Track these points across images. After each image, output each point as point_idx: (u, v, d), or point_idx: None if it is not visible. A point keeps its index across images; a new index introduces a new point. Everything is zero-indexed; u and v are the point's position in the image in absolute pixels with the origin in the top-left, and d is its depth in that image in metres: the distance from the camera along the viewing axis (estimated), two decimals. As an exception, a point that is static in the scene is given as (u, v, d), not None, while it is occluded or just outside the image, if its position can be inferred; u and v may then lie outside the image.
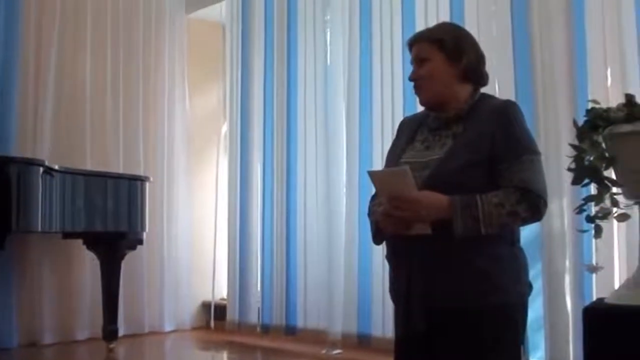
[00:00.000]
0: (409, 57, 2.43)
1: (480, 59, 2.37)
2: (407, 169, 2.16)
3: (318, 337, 5.40)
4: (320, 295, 5.50)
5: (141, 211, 5.51)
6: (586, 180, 2.22)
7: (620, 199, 2.22)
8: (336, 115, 5.51)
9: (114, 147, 6.14)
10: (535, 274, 3.75)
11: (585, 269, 3.64)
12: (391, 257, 2.38)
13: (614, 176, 2.23)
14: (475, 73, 2.35)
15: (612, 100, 3.36)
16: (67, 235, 5.39)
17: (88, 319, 5.80)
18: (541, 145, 3.39)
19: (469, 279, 2.17)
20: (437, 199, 2.13)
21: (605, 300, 2.26)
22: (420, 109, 2.46)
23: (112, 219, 5.29)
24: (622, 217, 2.24)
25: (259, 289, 6.06)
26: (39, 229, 4.63)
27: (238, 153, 6.26)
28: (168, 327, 6.35)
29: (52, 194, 4.75)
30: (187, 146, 6.71)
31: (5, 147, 5.41)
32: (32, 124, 5.69)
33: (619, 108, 2.19)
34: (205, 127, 6.85)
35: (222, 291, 6.62)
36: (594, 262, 3.56)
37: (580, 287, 3.94)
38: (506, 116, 2.24)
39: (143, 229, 5.55)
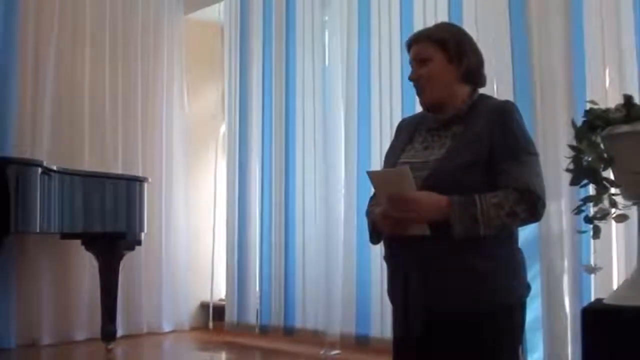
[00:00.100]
0: (407, 57, 2.43)
1: (480, 60, 2.37)
2: (407, 169, 2.16)
3: (316, 338, 5.40)
4: (318, 296, 5.50)
5: (139, 212, 5.51)
6: (584, 181, 2.22)
7: (619, 199, 2.22)
8: (334, 116, 5.51)
9: (113, 148, 6.13)
10: (533, 275, 3.75)
11: (584, 269, 3.64)
12: (389, 257, 2.38)
13: (612, 177, 2.23)
14: (476, 74, 2.36)
15: (611, 100, 3.35)
16: (66, 236, 5.39)
17: (86, 319, 5.79)
18: (539, 145, 3.40)
19: (467, 280, 2.17)
20: (437, 200, 2.13)
21: (604, 301, 2.26)
22: (418, 109, 2.46)
23: (111, 219, 5.29)
24: (621, 218, 2.24)
25: (257, 289, 6.06)
26: (37, 230, 4.63)
27: (236, 153, 6.26)
28: (166, 328, 6.35)
29: (50, 194, 4.74)
30: (186, 147, 6.71)
31: (3, 148, 5.41)
32: (30, 124, 5.68)
33: (618, 108, 2.19)
34: (203, 128, 6.85)
35: (220, 292, 6.62)
36: (592, 262, 3.56)
37: (578, 287, 3.94)
38: (505, 117, 2.25)
39: (141, 229, 5.54)
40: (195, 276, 6.58)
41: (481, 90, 2.42)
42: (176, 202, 6.55)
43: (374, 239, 2.42)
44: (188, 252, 6.59)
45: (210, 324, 6.49)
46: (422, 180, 2.20)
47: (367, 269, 5.09)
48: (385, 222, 2.22)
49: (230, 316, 6.19)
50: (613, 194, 2.19)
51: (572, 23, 4.07)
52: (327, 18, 5.72)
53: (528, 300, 2.32)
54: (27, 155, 5.41)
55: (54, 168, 4.85)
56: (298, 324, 5.69)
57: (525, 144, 2.24)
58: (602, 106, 2.25)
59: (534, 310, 3.92)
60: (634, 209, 2.23)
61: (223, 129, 6.64)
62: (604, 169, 2.20)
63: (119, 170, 6.00)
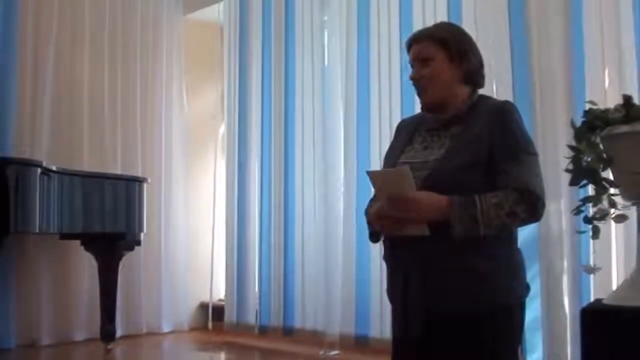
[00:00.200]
0: (406, 57, 2.42)
1: (480, 60, 2.37)
2: (407, 169, 2.16)
3: (316, 338, 5.40)
4: (318, 296, 5.50)
5: (139, 212, 5.51)
6: (584, 181, 2.22)
7: (618, 200, 2.22)
8: (334, 116, 5.51)
9: (112, 148, 6.13)
10: (532, 275, 3.75)
11: (583, 269, 3.64)
12: (388, 257, 2.38)
13: (611, 177, 2.23)
14: (476, 75, 2.36)
15: (610, 101, 3.35)
16: (65, 236, 5.39)
17: (86, 319, 5.79)
18: (539, 146, 3.40)
19: (466, 280, 2.17)
20: (437, 200, 2.13)
21: (603, 301, 2.26)
22: (418, 109, 2.46)
23: (110, 220, 5.29)
24: (620, 218, 2.24)
25: (256, 289, 6.06)
26: (37, 230, 4.63)
27: (236, 154, 6.26)
28: (166, 328, 6.35)
29: (49, 195, 4.74)
30: (185, 147, 6.71)
31: (3, 148, 5.41)
32: (29, 124, 5.68)
33: (617, 109, 2.19)
34: (202, 128, 6.85)
35: (220, 292, 6.62)
36: (591, 263, 3.56)
37: (578, 288, 3.94)
38: (504, 117, 2.25)
39: (141, 230, 5.54)
40: (194, 276, 6.58)
41: (480, 91, 2.42)
42: (175, 202, 6.55)
43: (374, 238, 2.42)
44: (187, 252, 6.59)
45: (210, 324, 6.49)
46: (421, 180, 2.19)
47: (367, 268, 5.09)
48: (382, 221, 2.22)
49: (230, 316, 6.19)
50: (612, 194, 2.19)
51: (571, 23, 4.07)
52: (326, 18, 5.72)
53: (527, 300, 2.32)
54: (26, 155, 5.40)
55: (54, 168, 4.84)
56: (297, 324, 5.69)
57: (524, 144, 2.24)
58: (602, 106, 2.25)
59: (533, 310, 3.92)
60: (633, 209, 2.24)
61: (222, 129, 6.65)
62: (603, 169, 2.20)
63: (118, 170, 6.00)
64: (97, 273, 5.46)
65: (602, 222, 2.22)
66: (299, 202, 5.74)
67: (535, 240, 4.06)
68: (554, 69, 4.08)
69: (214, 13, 6.76)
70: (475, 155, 2.20)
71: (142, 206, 5.54)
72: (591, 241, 2.52)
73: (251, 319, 6.06)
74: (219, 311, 6.38)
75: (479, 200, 2.12)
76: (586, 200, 2.25)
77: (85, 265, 5.78)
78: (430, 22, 4.39)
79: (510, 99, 4.06)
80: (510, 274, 2.25)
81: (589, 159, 2.18)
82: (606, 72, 3.90)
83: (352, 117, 5.30)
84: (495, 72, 4.27)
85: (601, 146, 2.20)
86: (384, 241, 2.39)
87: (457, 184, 2.17)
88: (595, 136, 2.20)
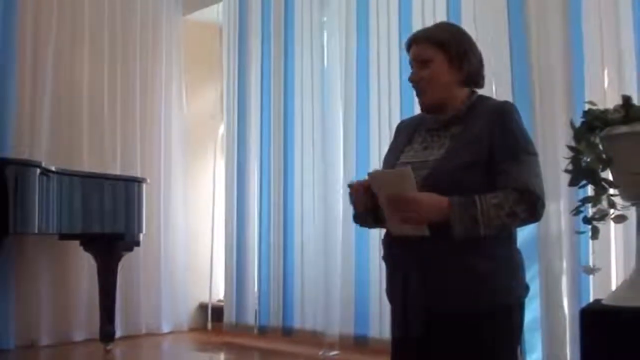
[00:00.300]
0: (406, 58, 2.42)
1: (480, 61, 2.37)
2: (408, 169, 2.16)
3: (315, 339, 5.40)
4: (317, 297, 5.50)
5: (138, 213, 5.51)
6: (583, 182, 2.22)
7: (618, 200, 2.22)
8: (333, 116, 5.51)
9: (111, 148, 6.13)
10: (532, 276, 3.75)
11: (583, 270, 3.64)
12: (387, 257, 2.38)
13: (611, 177, 2.23)
14: (476, 77, 2.35)
15: (609, 101, 3.35)
16: (64, 236, 5.39)
17: (85, 320, 5.79)
18: (538, 146, 3.39)
19: (465, 280, 2.17)
20: (437, 200, 2.13)
21: (603, 302, 2.26)
22: (417, 109, 2.46)
23: (109, 220, 5.29)
24: (619, 219, 2.24)
25: (256, 290, 6.06)
26: (36, 231, 4.63)
27: (235, 154, 6.26)
28: (165, 329, 6.35)
29: (49, 195, 4.74)
30: (184, 147, 6.71)
31: (2, 149, 5.41)
32: (29, 125, 5.68)
33: (616, 109, 2.19)
34: (202, 129, 6.85)
35: (219, 292, 6.62)
36: (591, 263, 3.55)
37: (577, 288, 3.94)
38: (504, 117, 2.25)
39: (140, 230, 5.54)
40: (194, 277, 6.58)
41: (479, 90, 2.42)
42: (175, 203, 6.55)
43: (357, 219, 2.43)
44: (187, 252, 6.59)
45: (209, 325, 6.49)
46: (421, 179, 2.19)
47: (366, 268, 5.09)
48: (357, 194, 2.25)
49: (229, 317, 6.19)
50: (612, 195, 2.19)
51: (570, 22, 4.07)
52: (325, 18, 5.72)
53: (527, 300, 2.32)
54: (25, 155, 5.40)
55: (53, 169, 4.85)
56: (297, 324, 5.69)
57: (524, 144, 2.24)
58: (601, 107, 2.26)
59: (532, 310, 3.92)
60: (633, 209, 2.24)
61: (222, 129, 6.64)
62: (603, 170, 2.20)
63: (117, 170, 6.00)
64: (97, 273, 5.47)
65: (602, 222, 2.23)
66: (298, 202, 5.74)
67: (535, 241, 4.06)
68: (553, 68, 4.08)
69: (213, 13, 6.76)
70: (475, 155, 2.20)
71: (141, 206, 5.54)
72: (590, 242, 2.52)
73: (250, 319, 6.05)
74: (218, 311, 6.38)
75: (479, 201, 2.12)
76: (585, 200, 2.25)
77: (84, 266, 5.77)
78: (429, 22, 4.40)
79: (509, 98, 4.07)
80: (509, 274, 2.25)
81: (589, 160, 2.18)
82: (605, 72, 3.90)
83: (351, 117, 5.30)
84: (495, 71, 4.26)
85: (600, 146, 2.20)
86: (383, 241, 2.39)
87: (457, 184, 2.17)
88: (594, 136, 2.20)
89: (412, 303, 2.23)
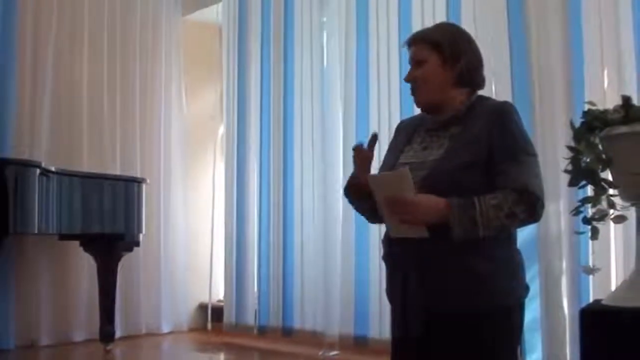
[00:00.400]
0: (405, 58, 2.43)
1: (478, 62, 2.36)
2: (406, 170, 2.16)
3: (315, 339, 5.40)
4: (317, 297, 5.50)
5: (138, 213, 5.51)
6: (583, 182, 2.23)
7: (617, 200, 2.22)
8: (333, 116, 5.51)
9: (111, 149, 6.13)
10: (532, 276, 3.75)
11: (582, 270, 3.64)
12: (387, 257, 2.38)
13: (610, 178, 2.23)
14: (471, 77, 2.34)
15: (609, 101, 3.35)
16: (64, 237, 5.39)
17: (85, 320, 5.79)
18: (538, 146, 3.39)
19: (465, 280, 2.17)
20: (435, 202, 2.13)
21: (602, 302, 2.27)
22: (417, 110, 2.46)
23: (109, 220, 5.29)
24: (619, 219, 2.25)
25: (255, 290, 6.06)
26: (36, 231, 4.63)
27: (235, 154, 6.26)
28: (165, 329, 6.35)
29: (48, 195, 4.74)
30: (184, 148, 6.71)
31: (2, 149, 5.41)
32: (29, 125, 5.68)
33: (616, 110, 2.20)
34: (202, 129, 6.85)
35: (219, 293, 6.62)
36: (590, 263, 3.55)
37: (577, 288, 3.94)
38: (503, 117, 2.24)
39: (140, 230, 5.54)
40: (193, 277, 6.58)
41: (480, 91, 2.41)
42: (174, 203, 6.55)
43: (350, 196, 2.45)
44: (186, 252, 6.59)
45: (209, 325, 6.49)
46: (420, 180, 2.19)
47: (366, 268, 5.09)
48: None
49: (229, 317, 6.19)
50: (611, 195, 2.20)
51: (570, 23, 4.07)
52: (325, 19, 5.72)
53: (527, 301, 2.31)
54: (25, 156, 5.40)
55: (52, 169, 4.85)
56: (296, 324, 5.69)
57: (523, 145, 2.24)
58: (601, 107, 2.26)
59: (532, 311, 3.92)
60: (632, 210, 2.24)
61: (221, 130, 6.64)
62: (603, 170, 2.20)
63: (117, 171, 6.00)
64: (97, 274, 5.46)
65: (601, 222, 2.23)
66: (298, 203, 5.74)
67: (534, 241, 4.06)
68: (553, 68, 4.08)
69: (212, 14, 6.76)
70: (474, 155, 2.20)
71: (141, 207, 5.54)
72: (590, 242, 2.52)
73: (250, 319, 6.05)
74: (218, 312, 6.38)
75: (477, 202, 2.12)
76: (585, 200, 2.25)
77: (84, 266, 5.77)
78: (429, 22, 4.41)
79: (509, 98, 4.08)
80: (509, 274, 2.24)
81: (588, 160, 2.19)
82: (605, 72, 3.90)
83: (351, 117, 5.30)
84: (495, 71, 4.27)
85: (600, 147, 2.21)
86: (383, 241, 2.39)
87: (456, 184, 2.16)
88: (594, 137, 2.20)
89: (411, 303, 2.23)
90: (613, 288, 3.37)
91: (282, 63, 5.91)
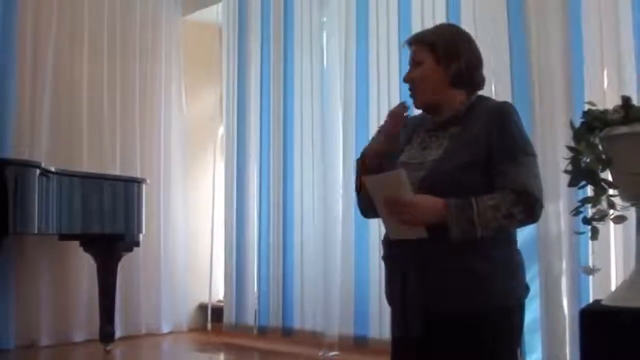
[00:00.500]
0: (405, 58, 2.43)
1: (476, 63, 2.35)
2: (402, 171, 2.16)
3: (315, 339, 5.40)
4: (317, 297, 5.50)
5: (138, 213, 5.51)
6: (583, 182, 2.22)
7: (617, 200, 2.22)
8: (332, 116, 5.51)
9: (111, 149, 6.13)
10: (532, 276, 3.74)
11: (582, 270, 3.64)
12: (387, 257, 2.38)
13: (610, 178, 2.23)
14: (468, 78, 2.33)
15: (609, 102, 3.35)
16: (64, 237, 5.39)
17: (85, 320, 5.79)
18: (538, 146, 3.40)
19: (465, 281, 2.17)
20: (433, 203, 2.13)
21: (602, 302, 2.26)
22: (417, 111, 2.46)
23: (109, 221, 5.29)
24: (619, 219, 2.24)
25: (255, 290, 6.06)
26: (36, 231, 4.63)
27: (235, 155, 6.26)
28: (165, 329, 6.35)
29: (48, 195, 4.74)
30: (184, 148, 6.71)
31: (2, 149, 5.42)
32: (29, 125, 5.68)
33: (616, 110, 2.20)
34: (201, 129, 6.85)
35: (219, 293, 6.62)
36: (590, 264, 3.55)
37: (577, 289, 3.94)
38: (503, 117, 2.24)
39: (140, 230, 5.54)
40: (193, 277, 6.58)
41: (479, 91, 2.41)
42: (174, 204, 6.55)
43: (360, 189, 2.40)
44: (186, 253, 6.59)
45: (209, 325, 6.48)
46: (419, 180, 2.20)
47: (366, 268, 5.09)
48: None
49: (229, 317, 6.19)
50: (611, 195, 2.20)
51: (570, 23, 4.07)
52: (325, 19, 5.72)
53: (527, 301, 2.31)
54: (25, 156, 5.40)
55: (52, 169, 4.85)
56: (296, 324, 5.69)
57: (523, 145, 2.24)
58: (601, 107, 2.26)
59: (532, 311, 3.92)
60: (632, 210, 2.24)
61: (221, 130, 6.64)
62: (602, 170, 2.20)
63: (117, 171, 6.00)
64: (96, 274, 5.47)
65: (601, 223, 2.23)
66: (297, 203, 5.74)
67: (534, 241, 4.06)
68: (553, 68, 4.08)
69: (212, 14, 6.76)
70: (473, 155, 2.20)
71: (141, 207, 5.54)
72: (590, 242, 2.52)
73: (250, 319, 6.05)
74: (218, 312, 6.38)
75: (475, 203, 2.12)
76: (585, 201, 2.25)
77: (84, 266, 5.77)
78: (429, 22, 4.42)
79: (509, 98, 4.08)
80: (509, 274, 2.24)
81: (588, 160, 2.18)
82: (605, 72, 3.90)
83: (351, 118, 5.30)
84: (495, 71, 4.27)
85: (600, 147, 2.21)
86: (383, 241, 2.39)
87: (455, 184, 2.16)
88: (594, 137, 2.20)
89: (411, 303, 2.23)
90: (613, 288, 3.38)
91: (282, 63, 5.91)
